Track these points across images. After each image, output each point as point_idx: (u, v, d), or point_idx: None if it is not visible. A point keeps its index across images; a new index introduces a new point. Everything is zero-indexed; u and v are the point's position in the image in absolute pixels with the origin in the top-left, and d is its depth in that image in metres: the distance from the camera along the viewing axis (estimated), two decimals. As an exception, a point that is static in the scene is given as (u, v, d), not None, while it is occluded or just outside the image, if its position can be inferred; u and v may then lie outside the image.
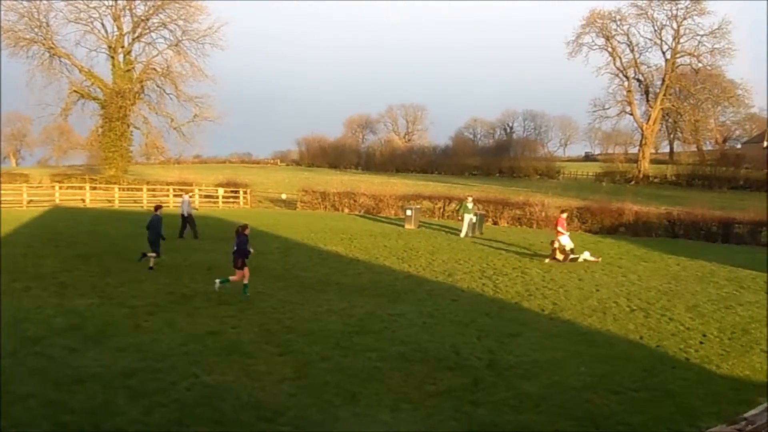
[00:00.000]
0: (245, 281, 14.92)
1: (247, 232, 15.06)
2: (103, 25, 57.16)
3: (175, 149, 63.75)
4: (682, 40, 77.28)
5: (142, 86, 58.69)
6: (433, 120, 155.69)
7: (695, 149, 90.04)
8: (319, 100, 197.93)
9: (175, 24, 58.49)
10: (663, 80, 78.57)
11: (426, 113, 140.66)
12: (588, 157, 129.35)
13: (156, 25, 58.84)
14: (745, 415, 4.19)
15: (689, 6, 75.46)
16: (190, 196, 31.23)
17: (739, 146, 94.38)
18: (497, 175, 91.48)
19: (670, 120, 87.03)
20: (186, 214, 25.67)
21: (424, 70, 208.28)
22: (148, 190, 47.91)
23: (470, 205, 30.30)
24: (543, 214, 37.04)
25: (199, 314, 12.97)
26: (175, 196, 46.81)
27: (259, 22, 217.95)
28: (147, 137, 60.04)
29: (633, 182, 75.86)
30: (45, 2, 54.21)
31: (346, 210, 43.71)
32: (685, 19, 75.94)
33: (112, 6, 56.83)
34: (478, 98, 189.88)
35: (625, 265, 21.79)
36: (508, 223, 37.67)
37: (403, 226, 33.34)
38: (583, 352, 11.17)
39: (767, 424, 4.06)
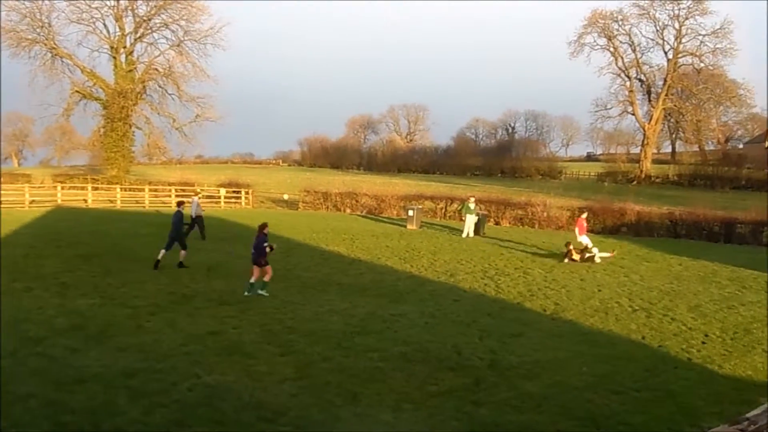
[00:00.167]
0: (266, 278, 14.99)
1: (266, 231, 15.11)
2: (105, 25, 57.24)
3: (177, 149, 63.72)
4: (684, 40, 77.18)
5: (144, 86, 58.69)
6: (435, 120, 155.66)
7: (697, 149, 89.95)
8: (321, 100, 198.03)
9: (177, 24, 58.53)
10: (665, 80, 78.45)
11: (428, 113, 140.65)
12: (590, 157, 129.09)
13: (158, 25, 58.87)
14: (747, 415, 4.17)
15: (691, 6, 75.40)
16: (205, 198, 31.18)
17: (741, 146, 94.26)
18: (499, 175, 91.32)
19: (672, 120, 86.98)
20: (195, 216, 25.65)
21: (425, 71, 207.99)
22: (150, 190, 47.90)
23: (472, 206, 30.28)
24: (545, 214, 37.01)
25: (200, 314, 12.97)
26: (176, 196, 46.85)
27: (260, 22, 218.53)
28: (149, 137, 60.04)
29: (635, 182, 75.74)
30: (47, 3, 54.36)
31: (348, 210, 43.69)
32: (687, 18, 75.84)
33: (114, 6, 56.88)
34: (479, 98, 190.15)
35: (627, 265, 21.76)
36: (510, 223, 37.63)
37: (405, 226, 33.31)
38: (585, 352, 11.16)
39: (769, 424, 4.05)
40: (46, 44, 54.78)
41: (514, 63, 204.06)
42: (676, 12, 76.04)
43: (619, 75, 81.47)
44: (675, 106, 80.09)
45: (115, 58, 57.17)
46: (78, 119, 60.92)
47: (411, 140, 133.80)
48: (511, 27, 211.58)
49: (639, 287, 17.66)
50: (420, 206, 36.79)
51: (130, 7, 57.48)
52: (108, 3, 56.49)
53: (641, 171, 78.76)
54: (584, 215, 25.31)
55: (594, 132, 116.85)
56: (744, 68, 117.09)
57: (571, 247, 22.30)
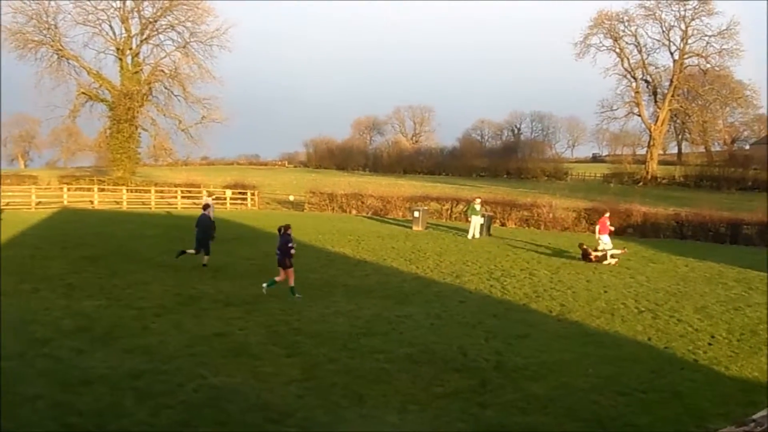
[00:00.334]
0: (291, 283, 15.04)
1: (289, 231, 15.14)
2: (111, 27, 57.55)
3: (183, 151, 63.97)
4: (690, 41, 77.17)
5: (150, 88, 58.91)
6: (441, 121, 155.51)
7: (703, 150, 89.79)
8: (326, 101, 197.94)
9: (183, 26, 58.80)
10: (671, 81, 78.36)
11: (433, 114, 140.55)
12: (596, 159, 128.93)
13: (164, 27, 59.15)
14: (754, 416, 4.15)
15: (697, 6, 75.29)
16: (214, 200, 31.21)
17: (747, 147, 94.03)
18: (505, 176, 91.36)
19: (678, 121, 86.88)
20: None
21: (428, 71, 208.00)
22: (156, 191, 48.05)
23: (478, 207, 30.28)
24: (551, 215, 37.01)
25: (206, 316, 12.98)
26: (183, 197, 46.97)
27: (265, 23, 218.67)
28: (155, 139, 60.22)
29: (641, 183, 75.66)
30: (53, 5, 54.56)
31: (354, 211, 43.73)
32: (693, 19, 75.77)
33: (120, 8, 57.15)
34: (483, 99, 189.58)
35: (633, 267, 21.71)
36: (515, 224, 37.63)
37: (410, 227, 33.31)
38: (591, 354, 11.14)
39: (776, 426, 4.03)
40: (52, 46, 55.04)
41: (515, 63, 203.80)
42: (682, 13, 76.05)
43: (625, 76, 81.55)
44: (681, 107, 79.98)
45: (121, 59, 57.40)
46: (84, 121, 61.30)
47: (416, 141, 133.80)
48: (511, 27, 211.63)
49: (645, 288, 17.62)
50: (426, 207, 36.81)
51: (136, 9, 57.77)
52: (114, 5, 56.89)
53: (647, 172, 78.67)
54: (607, 214, 25.33)
55: (600, 133, 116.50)
56: (743, 69, 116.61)
57: (585, 246, 22.36)
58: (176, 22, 58.69)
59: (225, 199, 48.17)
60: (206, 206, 20.58)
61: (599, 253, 22.18)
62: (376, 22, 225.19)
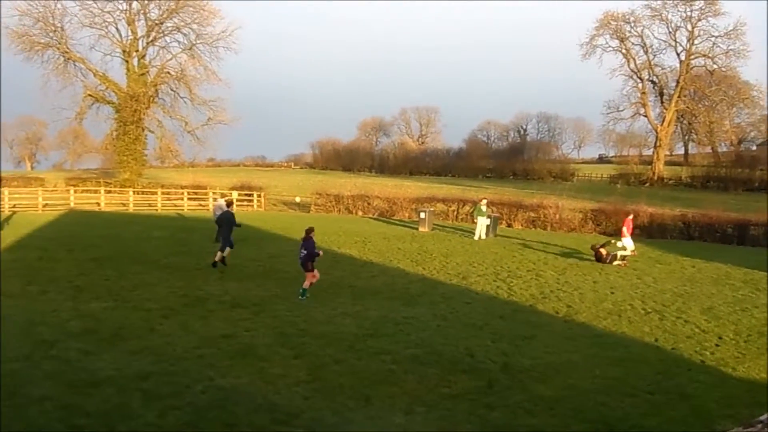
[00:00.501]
0: (306, 285, 15.03)
1: (312, 234, 15.12)
2: (117, 29, 57.81)
3: (189, 152, 64.03)
4: (696, 42, 76.99)
5: (156, 90, 59.09)
6: (447, 122, 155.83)
7: (710, 151, 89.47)
8: (333, 103, 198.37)
9: (189, 28, 58.97)
10: (677, 82, 78.23)
11: (439, 116, 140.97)
12: (602, 159, 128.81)
13: (170, 28, 59.35)
14: (761, 417, 4.14)
15: (703, 7, 75.12)
16: (227, 201, 31.26)
17: (754, 148, 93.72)
18: (511, 177, 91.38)
19: (684, 122, 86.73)
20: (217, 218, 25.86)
21: (437, 73, 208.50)
22: (163, 193, 48.13)
23: (484, 208, 30.25)
24: (557, 216, 36.93)
25: (213, 317, 13.01)
26: (189, 199, 47.06)
27: (271, 25, 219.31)
28: (161, 141, 60.42)
29: (647, 184, 75.42)
30: (60, 5, 54.77)
31: (360, 213, 43.72)
32: (699, 20, 75.64)
33: (126, 10, 57.35)
34: (491, 100, 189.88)
35: (640, 268, 21.67)
36: (522, 225, 37.58)
37: (416, 228, 33.29)
38: (598, 355, 11.13)
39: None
40: (59, 48, 55.28)
41: (522, 64, 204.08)
42: (689, 13, 75.94)
43: (631, 77, 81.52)
44: (687, 107, 79.83)
45: (127, 61, 57.64)
46: (91, 123, 61.51)
47: (423, 142, 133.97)
48: (517, 28, 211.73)
49: (652, 289, 17.59)
50: (432, 208, 36.82)
51: (142, 11, 57.96)
52: (120, 7, 57.03)
53: (654, 173, 78.50)
54: (631, 216, 25.30)
55: (606, 134, 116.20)
56: (749, 69, 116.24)
57: (598, 247, 22.36)
58: (182, 24, 58.92)
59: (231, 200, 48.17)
60: (230, 203, 21.37)
61: (626, 252, 22.25)
62: (383, 24, 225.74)
